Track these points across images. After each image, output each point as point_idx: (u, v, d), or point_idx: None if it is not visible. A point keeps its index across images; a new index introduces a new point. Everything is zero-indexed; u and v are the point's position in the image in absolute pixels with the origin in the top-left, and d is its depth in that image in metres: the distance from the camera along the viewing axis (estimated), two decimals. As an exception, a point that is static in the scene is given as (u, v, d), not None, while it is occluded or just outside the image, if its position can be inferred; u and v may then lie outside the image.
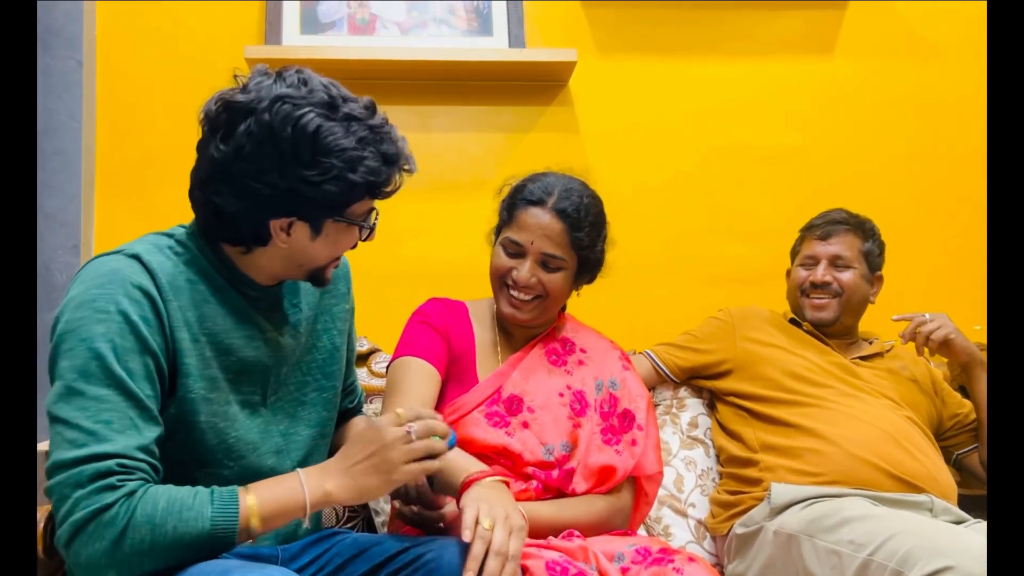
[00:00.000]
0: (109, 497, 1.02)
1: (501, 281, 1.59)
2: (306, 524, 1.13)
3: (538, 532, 1.44)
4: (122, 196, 2.17)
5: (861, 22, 2.39)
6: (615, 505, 1.55)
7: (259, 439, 1.25)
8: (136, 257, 1.15)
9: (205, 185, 1.17)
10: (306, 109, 1.11)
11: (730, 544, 1.79)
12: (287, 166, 1.11)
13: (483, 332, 1.66)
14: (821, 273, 1.92)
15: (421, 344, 1.57)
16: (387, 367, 1.62)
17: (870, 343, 1.99)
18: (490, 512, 1.15)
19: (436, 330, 1.61)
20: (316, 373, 1.35)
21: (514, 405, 1.54)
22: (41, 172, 2.04)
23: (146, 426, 1.08)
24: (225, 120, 1.14)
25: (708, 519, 1.88)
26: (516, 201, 1.59)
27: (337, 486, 1.13)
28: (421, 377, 1.52)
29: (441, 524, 1.37)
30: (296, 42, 2.20)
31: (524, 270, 1.55)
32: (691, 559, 1.33)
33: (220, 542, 1.06)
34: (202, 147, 1.18)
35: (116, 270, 1.13)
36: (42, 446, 1.69)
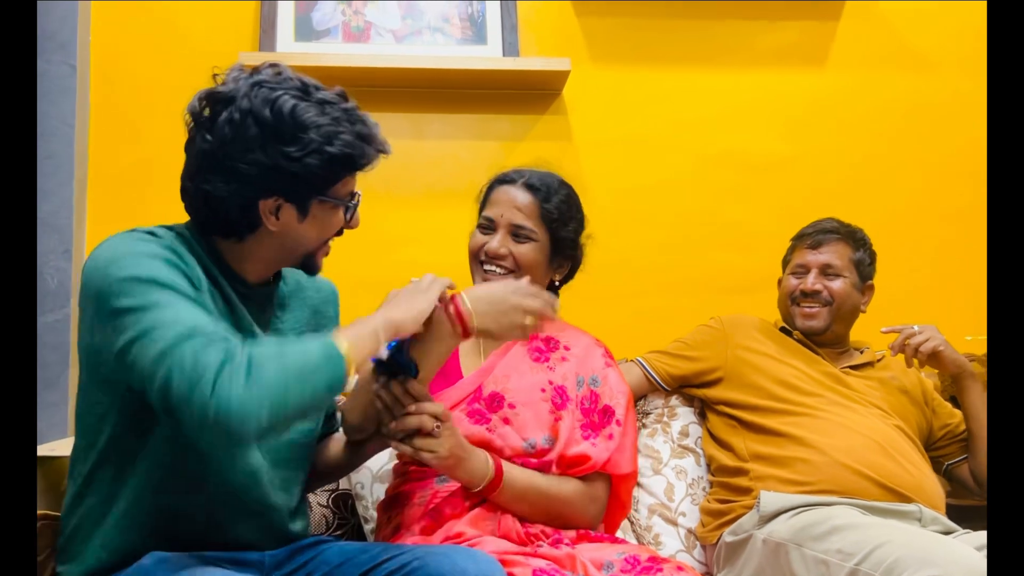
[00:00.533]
0: (227, 347, 1.03)
1: (476, 260, 1.62)
2: (382, 355, 1.25)
3: (510, 492, 1.45)
4: (114, 201, 2.17)
5: (854, 34, 2.41)
6: (587, 492, 1.53)
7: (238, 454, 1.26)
8: (151, 233, 1.19)
9: (194, 176, 1.21)
10: (281, 92, 1.18)
11: (719, 553, 1.78)
12: (268, 144, 1.17)
13: None
14: (811, 282, 1.93)
15: None
16: None
17: (861, 352, 1.99)
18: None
19: None
20: None
21: (495, 402, 1.55)
22: (34, 176, 2.04)
23: (212, 317, 1.11)
24: (209, 112, 1.19)
25: (698, 528, 1.87)
26: (490, 185, 1.67)
27: (390, 311, 1.21)
28: None
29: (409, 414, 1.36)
30: (290, 49, 2.21)
31: (495, 241, 1.59)
32: (679, 568, 1.33)
33: (335, 364, 1.09)
34: (189, 145, 1.23)
35: (137, 236, 1.17)
36: (42, 449, 1.70)
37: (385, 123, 2.23)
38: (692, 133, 2.36)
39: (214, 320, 1.10)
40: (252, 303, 1.28)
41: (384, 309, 1.23)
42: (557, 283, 1.69)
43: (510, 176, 1.64)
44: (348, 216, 1.28)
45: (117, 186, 2.17)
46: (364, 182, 1.30)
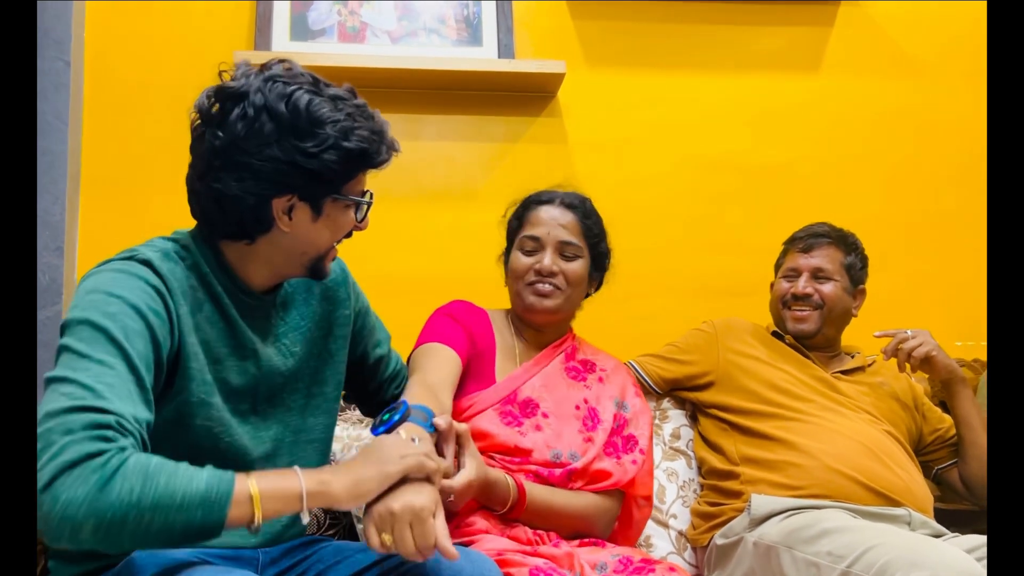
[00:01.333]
0: (103, 445, 0.95)
1: (523, 281, 1.65)
2: (305, 519, 1.07)
3: (530, 510, 1.48)
4: (108, 198, 2.16)
5: (848, 39, 2.43)
6: (602, 505, 1.57)
7: (250, 445, 1.25)
8: (148, 263, 1.15)
9: (204, 176, 1.18)
10: (295, 86, 1.16)
11: (710, 555, 1.79)
12: (285, 139, 1.15)
13: (503, 337, 1.70)
14: (802, 285, 1.94)
15: (445, 333, 1.61)
16: (407, 358, 1.60)
17: (852, 357, 2.00)
18: (381, 524, 1.10)
19: (460, 324, 1.65)
20: (306, 379, 1.35)
21: (528, 408, 1.59)
22: (27, 173, 2.03)
23: (143, 405, 1.04)
24: (219, 109, 1.17)
25: (689, 530, 1.88)
26: (527, 205, 1.70)
27: (334, 476, 1.08)
28: (444, 360, 1.54)
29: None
30: (286, 48, 2.20)
31: (546, 258, 1.62)
32: (672, 569, 1.34)
33: (212, 509, 0.97)
34: (196, 144, 1.20)
35: (128, 270, 1.14)
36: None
37: None
38: (686, 137, 2.37)
39: (135, 402, 1.02)
40: (256, 314, 1.27)
41: (330, 469, 1.10)
42: (587, 295, 1.74)
43: (547, 196, 1.69)
44: (360, 216, 1.27)
45: (111, 183, 2.17)
46: (358, 182, 1.29)
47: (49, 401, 0.98)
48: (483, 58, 2.26)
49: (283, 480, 1.05)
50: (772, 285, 2.04)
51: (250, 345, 1.25)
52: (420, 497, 1.10)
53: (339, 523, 1.78)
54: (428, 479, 1.13)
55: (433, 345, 1.57)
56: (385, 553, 1.09)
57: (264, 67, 1.20)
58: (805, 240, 1.98)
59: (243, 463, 1.23)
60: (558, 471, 1.53)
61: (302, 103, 1.15)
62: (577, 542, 1.51)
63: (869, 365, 1.99)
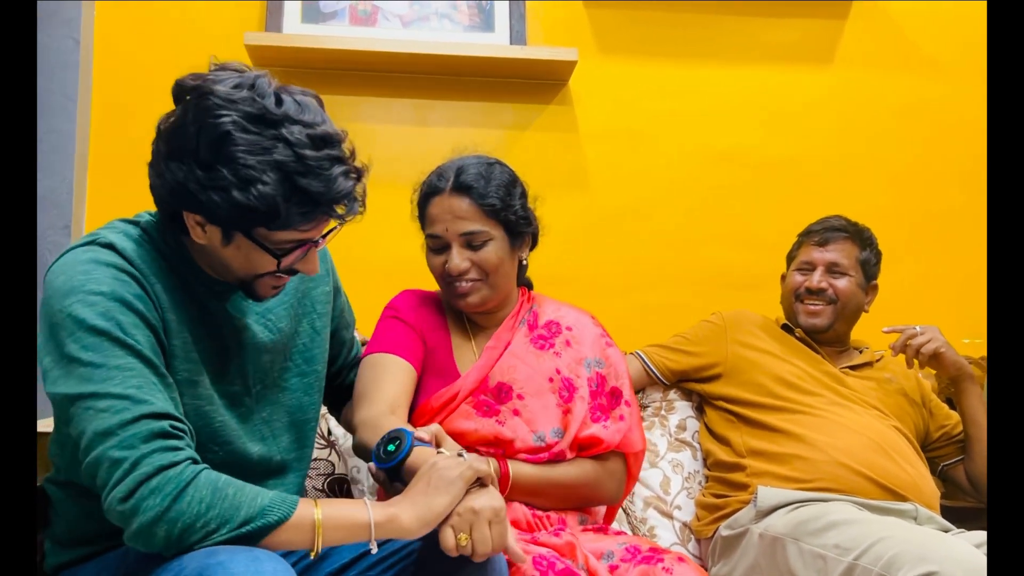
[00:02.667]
0: (174, 456, 1.01)
1: (443, 280, 1.56)
2: (373, 549, 1.07)
3: (523, 489, 1.46)
4: (115, 178, 2.15)
5: (861, 32, 2.41)
6: (605, 468, 1.54)
7: (242, 427, 1.24)
8: (110, 246, 1.13)
9: (152, 156, 1.15)
10: (226, 112, 1.06)
11: (715, 546, 1.78)
12: (186, 158, 1.07)
13: (458, 322, 1.63)
14: (817, 279, 1.92)
15: (393, 340, 1.54)
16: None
17: (860, 352, 2.00)
18: (461, 525, 1.12)
19: (408, 324, 1.57)
20: (297, 358, 1.34)
21: (503, 393, 1.53)
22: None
23: (169, 392, 1.08)
24: (173, 98, 1.13)
25: (693, 522, 1.87)
26: (422, 198, 1.57)
27: (402, 508, 1.08)
28: (394, 373, 1.48)
29: None
30: (297, 31, 2.19)
31: (453, 258, 1.50)
32: (680, 559, 1.33)
33: (265, 532, 1.02)
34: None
35: (96, 258, 1.11)
36: (40, 425, 1.69)
37: (388, 109, 2.28)
38: (697, 128, 2.36)
39: (164, 393, 1.06)
40: (230, 294, 1.23)
41: (397, 501, 1.10)
42: (525, 261, 1.62)
43: (436, 185, 1.53)
44: (280, 264, 1.15)
45: (118, 163, 2.15)
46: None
47: (88, 420, 1.01)
48: (495, 44, 2.25)
49: (350, 510, 1.07)
50: (784, 277, 2.03)
51: (229, 323, 1.23)
52: (496, 499, 1.12)
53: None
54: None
55: (381, 357, 1.50)
56: (455, 555, 1.10)
57: (240, 73, 1.11)
58: (821, 233, 1.97)
59: (237, 446, 1.23)
60: (545, 455, 1.50)
61: (218, 131, 1.05)
62: (580, 528, 1.50)
63: (877, 360, 1.98)
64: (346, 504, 1.08)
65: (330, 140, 1.10)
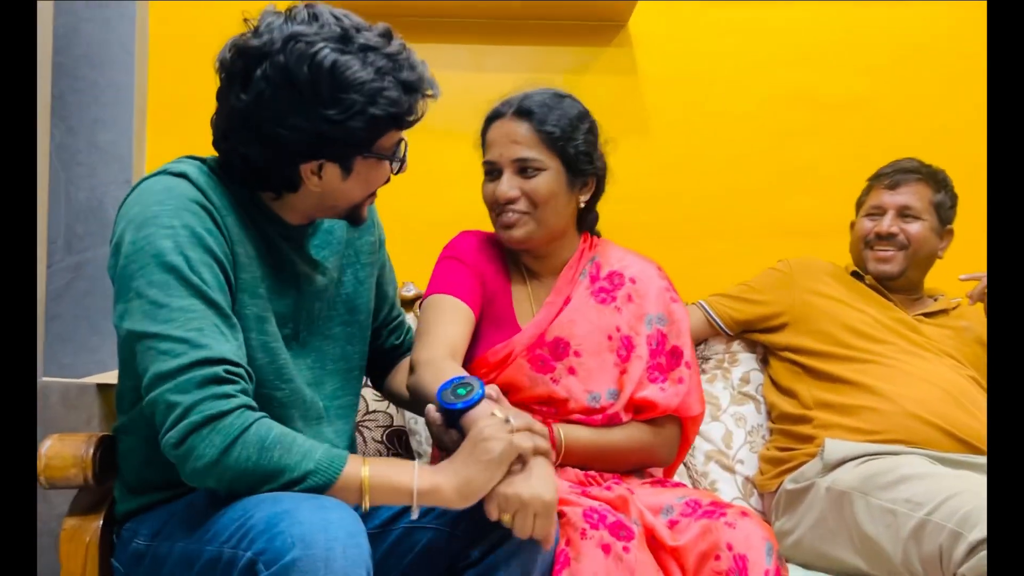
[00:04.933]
0: (224, 405, 1.03)
1: (493, 210, 1.52)
2: (415, 515, 1.10)
3: (576, 455, 1.44)
4: (173, 131, 2.16)
5: (941, -36, 2.28)
6: (659, 434, 1.50)
7: (295, 371, 1.25)
8: (184, 175, 1.16)
9: (228, 137, 1.17)
10: (320, 45, 1.09)
11: (779, 501, 1.75)
12: (309, 108, 1.10)
13: (517, 268, 1.59)
14: (888, 224, 1.85)
15: (453, 281, 1.51)
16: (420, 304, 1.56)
17: (935, 300, 1.92)
18: (506, 506, 1.11)
19: (467, 266, 1.54)
20: (341, 308, 1.34)
21: (559, 348, 1.49)
22: (94, 105, 2.04)
23: (232, 333, 1.10)
24: (241, 67, 1.12)
25: (756, 476, 1.84)
26: (484, 125, 1.53)
27: (446, 478, 1.09)
28: (454, 316, 1.46)
29: None
30: (350, -24, 2.16)
31: (503, 183, 1.46)
32: (744, 513, 1.28)
33: (317, 485, 1.05)
34: (222, 96, 1.17)
35: (170, 187, 1.14)
36: (104, 377, 1.72)
37: (443, 55, 2.24)
38: (763, 69, 2.27)
39: (225, 336, 1.08)
40: (291, 235, 1.25)
41: (442, 469, 1.10)
42: (584, 205, 1.55)
43: (499, 109, 1.50)
44: (394, 169, 1.23)
45: (176, 116, 2.17)
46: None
47: (150, 360, 1.05)
48: (551, -14, 2.19)
49: (397, 474, 1.08)
50: (853, 224, 1.96)
51: (293, 266, 1.25)
52: (550, 490, 1.11)
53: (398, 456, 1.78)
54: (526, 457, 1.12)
55: (441, 298, 1.48)
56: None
57: (289, 14, 1.13)
58: (892, 176, 1.89)
59: (298, 383, 1.24)
60: (599, 417, 1.47)
61: (325, 66, 1.09)
62: (638, 482, 1.47)
63: (954, 308, 1.91)
64: (394, 467, 1.09)
65: (388, 32, 1.16)
